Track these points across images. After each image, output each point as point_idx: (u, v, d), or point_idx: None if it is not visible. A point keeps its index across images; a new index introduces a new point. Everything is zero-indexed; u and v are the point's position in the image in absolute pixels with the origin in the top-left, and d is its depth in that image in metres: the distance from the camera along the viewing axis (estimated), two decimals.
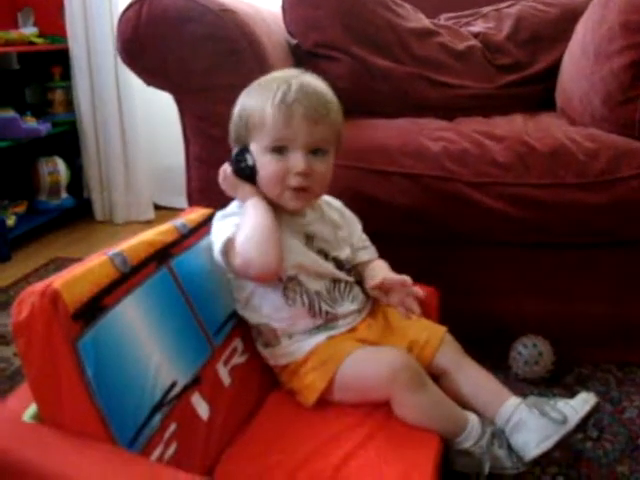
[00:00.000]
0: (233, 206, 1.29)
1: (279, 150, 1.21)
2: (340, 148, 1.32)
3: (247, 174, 1.25)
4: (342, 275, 1.31)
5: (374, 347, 1.25)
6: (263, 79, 1.29)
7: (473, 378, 1.28)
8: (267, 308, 1.25)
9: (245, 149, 1.25)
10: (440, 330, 1.34)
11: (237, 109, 1.28)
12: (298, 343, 1.24)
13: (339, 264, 1.32)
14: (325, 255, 1.30)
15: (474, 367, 1.31)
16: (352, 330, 1.28)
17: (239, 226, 1.19)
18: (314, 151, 1.22)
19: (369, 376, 1.18)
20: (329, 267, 1.29)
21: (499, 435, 1.19)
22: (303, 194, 1.24)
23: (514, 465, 1.18)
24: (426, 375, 1.20)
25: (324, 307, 1.26)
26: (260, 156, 1.23)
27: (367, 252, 1.40)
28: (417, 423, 1.15)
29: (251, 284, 1.24)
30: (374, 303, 1.35)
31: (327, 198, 1.40)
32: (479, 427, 1.18)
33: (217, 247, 1.20)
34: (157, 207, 3.39)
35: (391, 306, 1.26)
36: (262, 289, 1.24)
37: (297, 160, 1.20)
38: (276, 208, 1.24)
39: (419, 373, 1.18)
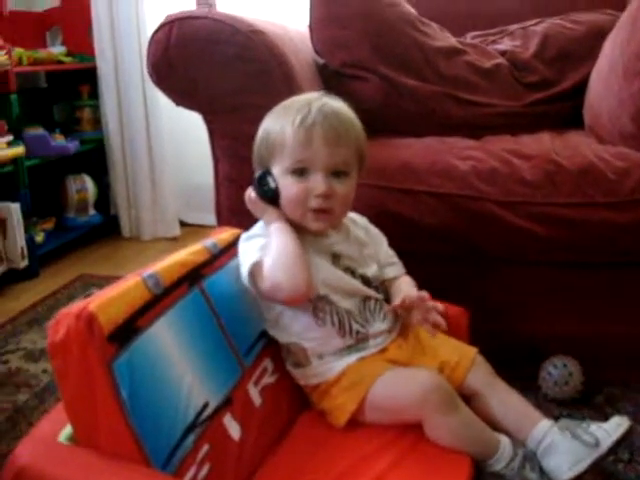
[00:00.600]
0: (257, 227, 1.30)
1: (300, 172, 1.22)
2: (363, 168, 1.33)
3: (270, 197, 1.26)
4: (372, 292, 1.31)
5: (405, 368, 1.25)
6: (285, 102, 1.30)
7: (504, 400, 1.28)
8: (297, 328, 1.25)
9: (267, 172, 1.26)
10: (471, 351, 1.33)
11: (260, 131, 1.30)
12: (329, 364, 1.24)
13: (366, 281, 1.31)
14: (352, 273, 1.30)
15: (505, 389, 1.30)
16: (383, 351, 1.28)
17: (264, 248, 1.20)
18: (335, 173, 1.23)
19: (400, 397, 1.17)
20: (357, 284, 1.29)
21: (531, 458, 1.18)
22: (324, 215, 1.24)
23: None
24: (457, 397, 1.19)
25: (355, 326, 1.26)
26: (281, 178, 1.24)
27: (393, 269, 1.40)
28: (448, 445, 1.15)
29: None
30: (405, 322, 1.34)
31: (352, 215, 1.40)
32: (511, 450, 1.17)
33: (244, 271, 1.20)
34: (183, 224, 3.41)
35: (416, 324, 1.25)
36: (291, 309, 1.24)
37: (317, 182, 1.21)
38: (300, 229, 1.25)
39: (450, 395, 1.17)
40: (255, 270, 1.19)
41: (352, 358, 1.24)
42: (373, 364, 1.24)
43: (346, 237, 1.34)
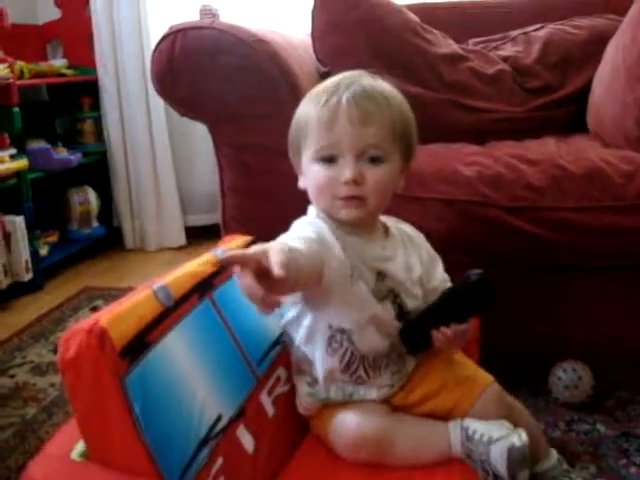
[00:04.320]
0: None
1: (329, 159, 1.11)
2: (412, 157, 1.21)
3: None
4: (400, 347, 1.18)
5: (352, 408, 1.16)
6: (322, 82, 1.18)
7: None
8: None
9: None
10: (476, 389, 1.19)
11: (294, 117, 1.19)
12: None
13: (401, 313, 1.17)
14: (394, 297, 1.16)
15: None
16: (384, 401, 1.19)
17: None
18: (370, 158, 1.10)
19: (344, 439, 1.14)
20: (392, 327, 1.16)
21: (470, 437, 1.11)
22: (356, 202, 1.10)
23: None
24: (394, 430, 1.13)
25: (360, 372, 1.15)
26: (308, 165, 1.14)
27: None
28: (409, 466, 1.11)
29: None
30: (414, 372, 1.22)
31: (408, 230, 1.29)
32: (457, 433, 1.12)
33: None
34: (187, 229, 3.42)
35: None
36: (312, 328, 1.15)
37: (344, 167, 1.09)
38: (350, 232, 1.13)
39: (384, 436, 1.11)
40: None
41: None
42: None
43: (398, 254, 1.20)
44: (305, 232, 1.06)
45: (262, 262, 0.84)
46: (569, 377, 1.59)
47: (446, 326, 1.11)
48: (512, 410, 1.20)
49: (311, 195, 1.17)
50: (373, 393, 1.17)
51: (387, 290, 1.15)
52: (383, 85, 1.16)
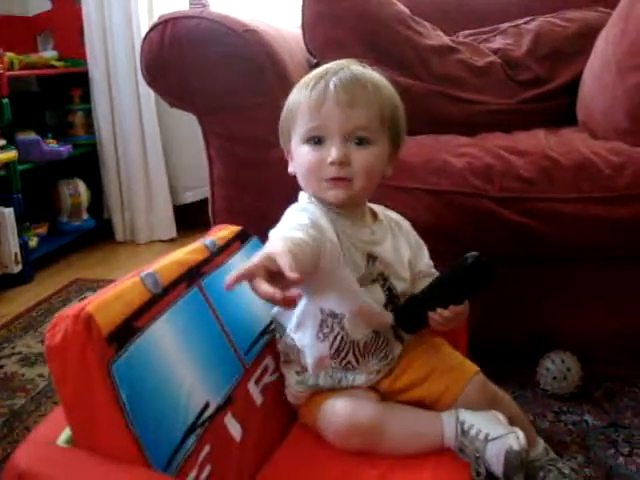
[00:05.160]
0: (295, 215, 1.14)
1: (316, 140, 1.12)
2: (400, 142, 1.22)
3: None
4: (389, 333, 1.20)
5: (343, 395, 1.16)
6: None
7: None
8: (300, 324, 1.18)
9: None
10: (465, 376, 1.20)
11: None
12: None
13: (392, 297, 1.19)
14: (384, 280, 1.18)
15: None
16: (370, 388, 1.20)
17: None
18: (357, 140, 1.12)
19: (333, 427, 1.14)
20: (380, 315, 1.17)
21: (465, 431, 1.11)
22: (343, 183, 1.12)
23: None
24: (383, 419, 1.12)
25: (350, 357, 1.17)
26: (297, 148, 1.16)
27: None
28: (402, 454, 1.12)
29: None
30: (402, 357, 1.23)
31: (396, 218, 1.31)
32: (453, 425, 1.12)
33: None
34: (176, 208, 3.40)
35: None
36: (303, 313, 1.16)
37: (331, 148, 1.10)
38: (339, 217, 1.15)
39: (373, 427, 1.11)
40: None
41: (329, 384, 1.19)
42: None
43: (387, 238, 1.22)
44: (300, 219, 1.07)
45: (271, 268, 0.85)
46: (557, 368, 1.59)
47: (442, 308, 1.13)
48: (495, 399, 1.21)
49: (300, 178, 1.18)
50: (362, 379, 1.18)
51: (377, 273, 1.17)
52: (372, 73, 1.17)
